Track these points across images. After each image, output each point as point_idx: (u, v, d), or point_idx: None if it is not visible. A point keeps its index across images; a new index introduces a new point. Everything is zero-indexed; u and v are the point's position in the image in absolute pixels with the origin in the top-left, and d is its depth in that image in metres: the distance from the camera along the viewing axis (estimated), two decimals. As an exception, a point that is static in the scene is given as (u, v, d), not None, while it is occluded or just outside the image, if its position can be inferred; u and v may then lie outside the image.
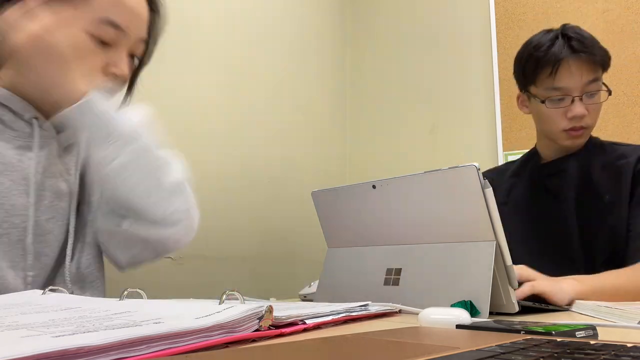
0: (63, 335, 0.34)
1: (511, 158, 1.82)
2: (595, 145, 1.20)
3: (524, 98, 1.23)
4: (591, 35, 1.12)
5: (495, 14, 1.92)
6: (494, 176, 1.32)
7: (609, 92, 1.12)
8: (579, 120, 1.12)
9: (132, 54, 0.85)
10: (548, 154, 1.24)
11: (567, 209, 1.16)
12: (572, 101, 1.11)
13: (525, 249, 1.11)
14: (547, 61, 1.11)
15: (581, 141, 1.16)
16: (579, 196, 1.16)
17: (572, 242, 1.13)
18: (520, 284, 0.78)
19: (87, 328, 0.37)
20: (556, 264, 1.00)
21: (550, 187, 1.21)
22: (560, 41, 1.11)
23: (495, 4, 1.92)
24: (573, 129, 1.13)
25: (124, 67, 0.82)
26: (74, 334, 0.35)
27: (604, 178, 1.14)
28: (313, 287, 1.03)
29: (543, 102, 1.14)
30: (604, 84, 1.13)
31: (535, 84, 1.15)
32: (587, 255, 1.11)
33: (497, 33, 1.90)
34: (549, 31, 1.16)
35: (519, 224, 1.21)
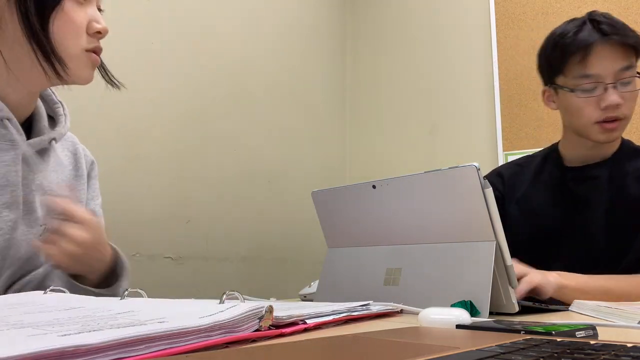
0: (69, 334, 0.34)
1: (511, 158, 1.82)
2: (628, 150, 1.11)
3: (550, 92, 1.13)
4: (621, 21, 1.03)
5: (495, 14, 1.92)
6: (518, 169, 1.23)
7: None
8: (614, 110, 1.01)
9: (98, 6, 0.81)
10: (574, 156, 1.14)
11: (595, 221, 1.06)
12: (606, 89, 1.01)
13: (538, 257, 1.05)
14: (576, 47, 1.02)
15: (616, 134, 1.05)
16: (610, 207, 1.06)
17: (598, 258, 1.05)
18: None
19: (93, 327, 0.37)
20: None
21: (578, 193, 1.10)
22: (588, 26, 1.02)
23: (495, 4, 1.93)
24: (607, 119, 1.02)
25: (103, 22, 0.79)
26: (80, 332, 0.35)
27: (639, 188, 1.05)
28: (313, 287, 1.03)
29: (573, 91, 1.04)
30: (638, 72, 1.03)
31: (564, 74, 1.06)
32: (613, 273, 0.99)
33: (497, 33, 1.90)
34: (573, 19, 1.07)
35: (535, 229, 1.13)
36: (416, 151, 2.07)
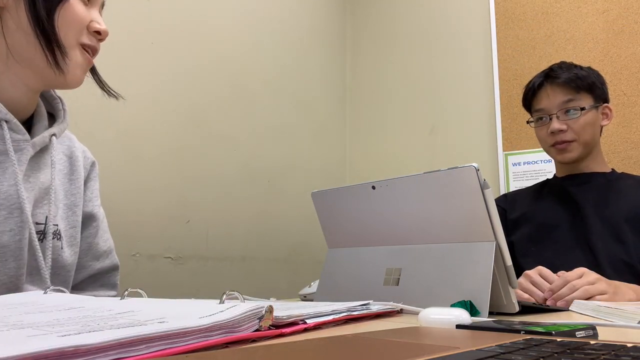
0: (69, 335, 0.34)
1: (511, 158, 1.82)
2: (618, 175, 1.33)
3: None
4: (578, 66, 1.31)
5: (495, 14, 1.92)
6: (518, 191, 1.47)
7: (582, 109, 1.27)
8: (558, 135, 1.28)
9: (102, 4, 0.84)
10: (563, 174, 1.37)
11: (588, 216, 1.24)
12: (551, 119, 1.29)
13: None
14: (530, 89, 1.35)
15: (570, 155, 1.29)
16: (600, 203, 1.25)
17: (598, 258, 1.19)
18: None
19: (93, 327, 0.37)
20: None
21: (574, 194, 1.30)
22: (542, 73, 1.33)
23: (495, 4, 1.93)
24: (556, 142, 1.29)
25: (104, 26, 0.81)
26: (79, 333, 0.35)
27: (631, 188, 1.26)
28: (313, 287, 1.03)
29: (533, 122, 1.34)
30: (582, 108, 1.27)
31: (531, 112, 1.36)
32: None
33: (497, 33, 1.90)
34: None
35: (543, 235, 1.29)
36: (416, 151, 2.07)
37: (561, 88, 1.29)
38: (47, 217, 0.79)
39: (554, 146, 1.30)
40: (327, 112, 2.16)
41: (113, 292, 0.91)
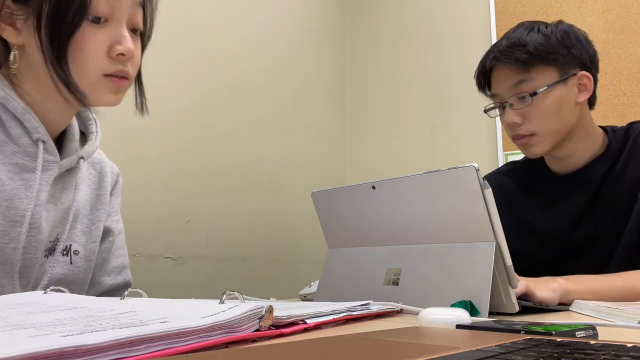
0: (72, 335, 0.34)
1: (511, 158, 1.82)
2: (616, 142, 1.06)
3: None
4: (535, 28, 1.02)
5: (495, 14, 1.92)
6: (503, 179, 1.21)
7: (533, 94, 1.00)
8: (514, 129, 1.03)
9: (133, 26, 0.76)
10: (556, 169, 1.12)
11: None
12: (504, 107, 1.05)
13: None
14: (481, 72, 1.09)
15: (535, 150, 1.04)
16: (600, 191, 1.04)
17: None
18: None
19: (95, 327, 0.37)
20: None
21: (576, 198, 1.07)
22: (488, 50, 1.08)
23: (495, 4, 1.93)
24: (514, 137, 1.05)
25: (129, 43, 0.73)
26: (82, 333, 0.35)
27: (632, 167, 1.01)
28: (313, 287, 1.03)
29: (488, 111, 1.10)
30: (534, 93, 1.00)
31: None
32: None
33: (497, 33, 1.90)
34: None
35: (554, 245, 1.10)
36: (416, 151, 2.07)
37: (508, 68, 1.01)
38: (58, 235, 0.79)
39: (515, 140, 1.05)
40: (327, 112, 2.16)
41: None
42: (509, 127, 1.05)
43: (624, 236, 1.00)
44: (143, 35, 0.81)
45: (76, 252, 0.82)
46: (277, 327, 0.48)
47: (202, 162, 1.60)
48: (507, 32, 1.07)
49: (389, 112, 2.17)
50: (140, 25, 0.78)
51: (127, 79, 0.76)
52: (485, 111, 1.11)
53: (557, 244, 1.08)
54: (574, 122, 1.03)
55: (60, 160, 0.77)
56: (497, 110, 1.09)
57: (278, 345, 0.41)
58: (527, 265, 0.98)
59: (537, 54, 0.99)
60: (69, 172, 0.80)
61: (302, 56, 2.05)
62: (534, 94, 0.99)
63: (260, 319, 0.45)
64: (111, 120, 1.37)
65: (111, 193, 0.91)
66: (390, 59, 2.20)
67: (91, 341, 0.32)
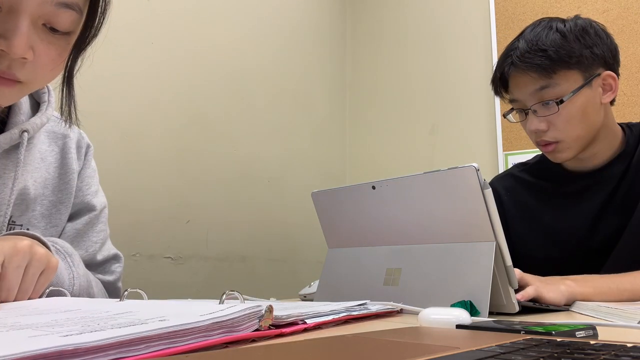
0: (71, 335, 0.34)
1: (511, 158, 1.82)
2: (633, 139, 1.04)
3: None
4: (553, 27, 0.99)
5: (495, 14, 1.92)
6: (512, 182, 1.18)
7: (560, 102, 0.96)
8: (539, 135, 1.01)
9: (51, 25, 0.62)
10: (572, 168, 1.10)
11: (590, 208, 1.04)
12: (526, 113, 1.02)
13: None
14: (497, 78, 1.05)
15: (562, 155, 1.02)
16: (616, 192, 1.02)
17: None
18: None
19: (94, 327, 0.37)
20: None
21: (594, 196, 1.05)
22: (504, 54, 1.04)
23: (495, 4, 1.93)
24: (539, 143, 1.03)
25: (17, 40, 0.58)
26: (81, 333, 0.34)
27: None
28: (313, 287, 1.03)
29: (508, 116, 1.06)
30: (561, 101, 0.96)
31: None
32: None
33: (497, 33, 1.90)
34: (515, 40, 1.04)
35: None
36: (416, 151, 2.07)
37: (529, 74, 0.97)
38: (12, 218, 0.74)
39: (540, 146, 1.04)
40: (327, 112, 2.16)
41: (109, 278, 0.85)
42: (532, 133, 1.02)
43: None
44: (78, 41, 0.67)
45: None
46: (276, 327, 0.48)
47: (202, 162, 1.60)
48: (524, 30, 1.03)
49: (389, 112, 2.17)
50: (66, 27, 0.64)
51: (12, 81, 0.62)
52: (504, 115, 1.07)
53: (573, 245, 1.06)
54: (600, 124, 1.01)
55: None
56: (517, 115, 1.05)
57: (278, 345, 0.41)
58: (541, 267, 0.96)
59: (558, 59, 0.95)
60: (16, 148, 0.72)
61: (302, 56, 2.04)
62: (560, 102, 0.96)
63: (260, 318, 0.45)
64: (111, 120, 1.37)
65: (83, 166, 0.85)
66: (391, 59, 2.20)
67: (91, 340, 0.32)
